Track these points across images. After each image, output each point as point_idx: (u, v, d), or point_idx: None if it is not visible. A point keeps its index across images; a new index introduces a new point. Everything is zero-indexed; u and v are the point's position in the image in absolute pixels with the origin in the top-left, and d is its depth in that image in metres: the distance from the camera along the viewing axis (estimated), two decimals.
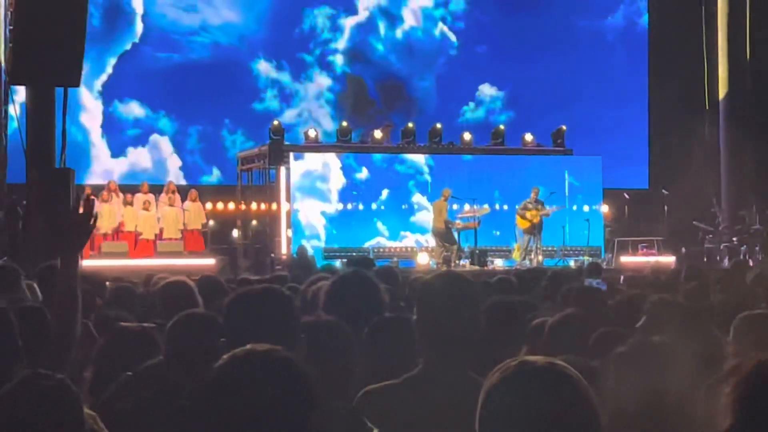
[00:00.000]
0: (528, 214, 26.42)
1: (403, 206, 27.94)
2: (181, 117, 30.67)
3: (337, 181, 27.57)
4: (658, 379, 3.97)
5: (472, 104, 32.98)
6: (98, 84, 29.62)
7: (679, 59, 31.99)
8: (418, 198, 28.04)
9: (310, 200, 27.30)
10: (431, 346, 4.26)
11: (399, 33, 32.92)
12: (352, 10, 32.45)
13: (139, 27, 30.42)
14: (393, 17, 32.84)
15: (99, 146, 29.99)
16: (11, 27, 18.66)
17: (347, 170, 27.66)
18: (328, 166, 27.51)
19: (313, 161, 27.48)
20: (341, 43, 32.41)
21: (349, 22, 32.44)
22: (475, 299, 4.36)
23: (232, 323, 4.09)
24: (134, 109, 30.33)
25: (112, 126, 30.19)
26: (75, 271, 4.84)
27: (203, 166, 30.73)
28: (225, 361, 2.96)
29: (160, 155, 30.42)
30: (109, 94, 30.08)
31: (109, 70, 29.89)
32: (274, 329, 3.98)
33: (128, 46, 30.23)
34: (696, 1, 32.00)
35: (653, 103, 33.45)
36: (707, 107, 31.99)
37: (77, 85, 19.20)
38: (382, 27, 32.77)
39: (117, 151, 30.15)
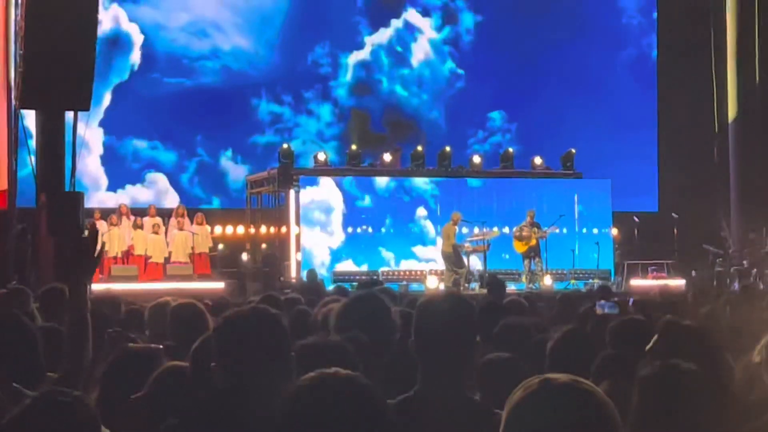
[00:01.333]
0: (524, 238, 26.42)
1: (413, 230, 27.93)
2: (181, 147, 30.66)
3: (342, 207, 27.53)
4: (687, 407, 3.95)
5: (481, 133, 33.00)
6: (97, 115, 29.40)
7: (688, 82, 32.00)
8: (425, 222, 28.03)
9: (316, 230, 27.31)
10: (428, 366, 4.24)
11: (406, 66, 32.99)
12: (359, 45, 32.54)
13: (136, 56, 30.42)
14: (401, 50, 32.90)
15: (97, 179, 29.88)
16: (21, 51, 18.71)
17: (353, 196, 27.64)
18: (333, 193, 27.49)
19: (318, 192, 27.42)
20: (347, 76, 32.46)
21: (355, 57, 32.50)
22: (472, 319, 4.34)
23: (221, 347, 4.05)
24: (133, 142, 30.28)
25: (110, 159, 30.06)
26: (85, 298, 4.83)
27: (202, 196, 30.64)
28: (298, 389, 2.94)
29: (158, 188, 30.31)
30: (107, 126, 29.98)
31: (107, 101, 29.79)
32: (264, 350, 3.95)
33: (124, 77, 30.20)
34: (705, 26, 32.01)
35: (662, 126, 33.45)
36: (716, 130, 31.99)
37: (87, 108, 19.24)
38: (388, 60, 32.85)
39: (115, 185, 30.01)
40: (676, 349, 4.71)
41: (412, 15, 33.13)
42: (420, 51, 33.14)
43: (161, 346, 5.42)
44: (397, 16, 33.00)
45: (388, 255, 27.68)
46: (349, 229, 27.49)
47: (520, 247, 26.56)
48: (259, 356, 3.92)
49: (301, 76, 31.97)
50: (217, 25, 31.35)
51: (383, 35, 32.73)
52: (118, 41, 30.07)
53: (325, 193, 27.49)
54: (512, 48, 32.56)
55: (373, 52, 32.65)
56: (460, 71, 33.27)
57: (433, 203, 28.19)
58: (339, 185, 27.64)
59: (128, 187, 30.13)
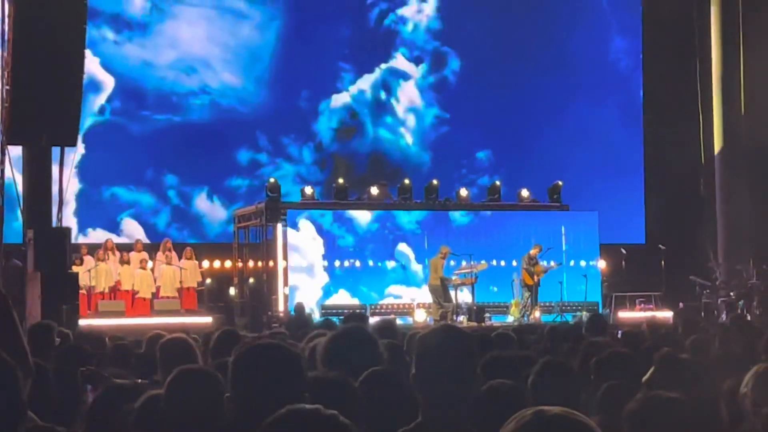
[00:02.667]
0: (535, 271, 26.54)
1: (400, 264, 27.90)
2: (154, 190, 30.53)
3: (322, 247, 27.41)
4: None
5: (466, 171, 33.01)
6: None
7: (674, 115, 32.14)
8: (410, 255, 27.98)
9: (302, 265, 27.24)
10: (429, 400, 4.24)
11: (391, 110, 33.06)
12: (341, 89, 32.63)
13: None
14: (386, 95, 33.03)
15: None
16: (7, 87, 18.72)
17: (334, 234, 27.59)
18: (313, 235, 27.34)
19: (298, 236, 27.28)
20: (331, 121, 32.52)
21: (339, 99, 32.57)
22: (473, 353, 4.34)
23: (238, 378, 4.04)
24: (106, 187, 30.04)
25: (82, 204, 29.59)
26: None
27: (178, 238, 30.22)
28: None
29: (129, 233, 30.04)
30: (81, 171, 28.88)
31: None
32: (282, 386, 3.94)
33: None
34: (691, 57, 32.18)
35: (649, 159, 33.54)
36: (703, 162, 32.09)
37: (74, 144, 19.28)
38: (373, 104, 32.94)
39: (83, 230, 29.52)
40: (671, 381, 4.71)
41: (398, 60, 33.22)
42: (405, 96, 33.19)
43: (146, 381, 5.40)
44: (385, 60, 33.10)
45: (374, 289, 27.58)
46: (336, 263, 27.41)
47: (529, 279, 26.59)
48: (277, 389, 3.91)
49: (285, 118, 31.91)
50: (206, 62, 31.41)
51: (368, 79, 32.81)
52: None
53: (306, 235, 27.31)
54: (498, 88, 32.61)
55: (357, 96, 32.70)
56: (446, 114, 33.35)
57: (418, 237, 28.09)
58: (319, 228, 27.42)
59: (99, 230, 29.72)
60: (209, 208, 31.14)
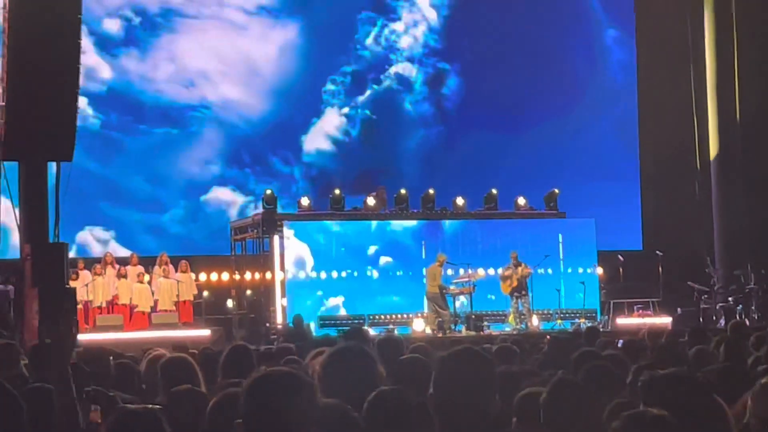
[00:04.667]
0: (505, 279, 26.48)
1: (398, 273, 27.87)
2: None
3: (311, 258, 27.36)
4: None
5: (461, 179, 32.87)
6: None
7: (669, 120, 32.16)
8: (408, 265, 27.95)
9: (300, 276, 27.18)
10: (445, 421, 4.22)
11: (387, 122, 33.09)
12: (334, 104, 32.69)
13: None
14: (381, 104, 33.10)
15: None
16: (3, 103, 18.69)
17: (335, 240, 27.55)
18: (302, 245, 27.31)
19: (295, 245, 27.22)
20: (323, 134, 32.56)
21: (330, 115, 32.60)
22: (493, 377, 4.33)
23: (250, 407, 3.99)
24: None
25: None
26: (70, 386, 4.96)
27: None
28: None
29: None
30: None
31: None
32: (294, 415, 3.91)
33: None
34: (685, 62, 32.21)
35: (644, 164, 33.54)
36: (698, 167, 32.11)
37: (70, 159, 19.21)
38: (369, 117, 32.98)
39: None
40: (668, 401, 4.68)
41: (399, 68, 33.27)
42: (401, 108, 33.22)
43: (159, 407, 5.35)
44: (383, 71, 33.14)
45: (372, 299, 27.52)
46: (334, 274, 27.36)
47: (505, 289, 26.60)
48: (289, 419, 3.89)
49: (277, 132, 31.94)
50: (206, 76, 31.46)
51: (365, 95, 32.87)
52: None
53: (297, 245, 27.25)
54: (494, 97, 32.66)
55: (350, 113, 32.73)
56: (441, 124, 33.38)
57: (415, 246, 28.04)
58: (311, 238, 27.36)
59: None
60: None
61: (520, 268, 26.39)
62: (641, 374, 6.01)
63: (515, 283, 26.39)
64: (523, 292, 26.47)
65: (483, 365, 4.32)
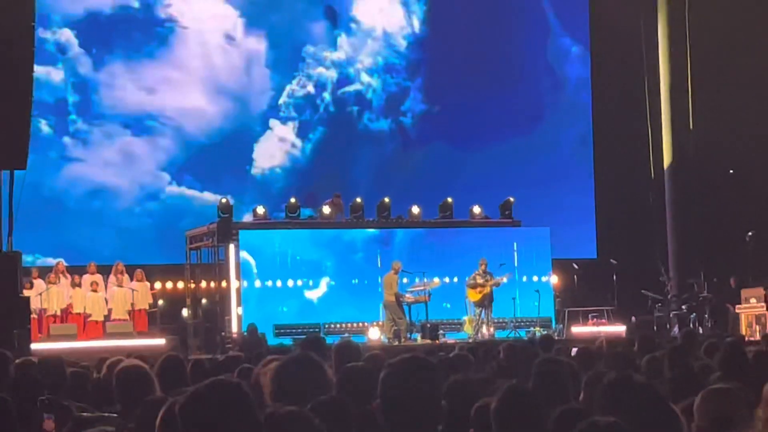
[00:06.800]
0: (478, 287, 26.49)
1: (353, 281, 27.87)
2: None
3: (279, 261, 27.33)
4: None
5: (416, 187, 32.87)
6: None
7: (623, 130, 32.34)
8: (364, 273, 27.93)
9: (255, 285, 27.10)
10: (393, 429, 4.23)
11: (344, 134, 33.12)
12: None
13: None
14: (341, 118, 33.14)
15: None
16: None
17: (290, 248, 27.50)
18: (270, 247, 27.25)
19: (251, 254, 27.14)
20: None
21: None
22: (438, 384, 4.35)
23: (189, 425, 3.94)
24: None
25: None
26: None
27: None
28: None
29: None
30: None
31: None
32: (232, 424, 3.89)
33: None
34: (639, 75, 32.42)
35: (599, 173, 33.71)
36: (653, 176, 32.32)
37: (23, 168, 19.09)
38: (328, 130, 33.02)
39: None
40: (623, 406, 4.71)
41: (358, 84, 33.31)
42: (357, 122, 33.26)
43: (114, 415, 5.35)
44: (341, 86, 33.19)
45: (328, 307, 27.49)
46: (290, 282, 27.32)
47: (473, 296, 26.58)
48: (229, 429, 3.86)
49: (235, 143, 31.90)
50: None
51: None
52: None
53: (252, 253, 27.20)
54: (450, 106, 32.80)
55: (306, 126, 32.74)
56: (398, 133, 33.44)
57: (371, 255, 28.05)
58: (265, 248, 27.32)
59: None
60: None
61: (489, 277, 26.46)
62: (594, 382, 6.05)
63: (487, 290, 26.45)
64: (489, 302, 26.53)
65: (428, 373, 4.33)
